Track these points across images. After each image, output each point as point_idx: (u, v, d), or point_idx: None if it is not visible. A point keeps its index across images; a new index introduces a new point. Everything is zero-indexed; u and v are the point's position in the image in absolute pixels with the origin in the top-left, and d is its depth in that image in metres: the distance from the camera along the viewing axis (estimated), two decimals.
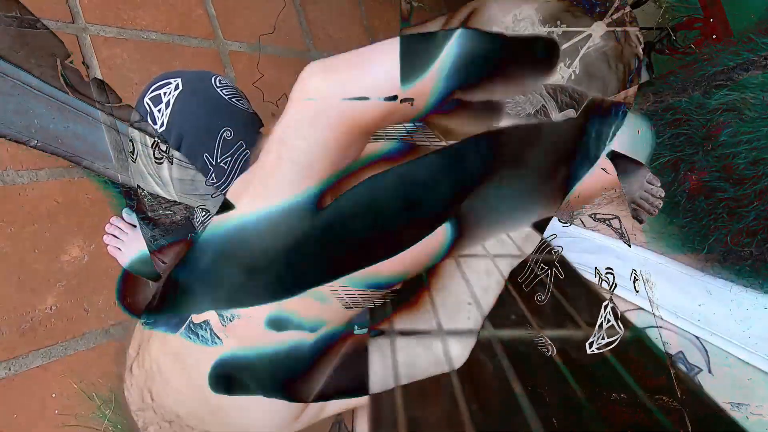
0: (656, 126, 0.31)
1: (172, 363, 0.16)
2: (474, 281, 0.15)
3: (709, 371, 0.25)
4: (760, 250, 0.27)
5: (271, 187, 0.13)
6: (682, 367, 0.25)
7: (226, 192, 0.14)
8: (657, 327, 0.26)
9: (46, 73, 0.25)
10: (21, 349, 0.67)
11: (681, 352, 0.26)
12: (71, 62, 0.26)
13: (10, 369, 0.66)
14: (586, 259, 0.27)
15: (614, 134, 0.15)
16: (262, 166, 0.13)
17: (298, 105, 0.12)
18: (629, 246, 0.25)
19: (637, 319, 0.26)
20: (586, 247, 0.30)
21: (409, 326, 0.16)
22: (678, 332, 0.27)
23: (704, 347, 0.26)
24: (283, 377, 0.15)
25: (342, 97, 0.12)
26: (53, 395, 0.69)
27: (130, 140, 0.31)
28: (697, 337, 0.26)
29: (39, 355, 0.69)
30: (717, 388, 0.25)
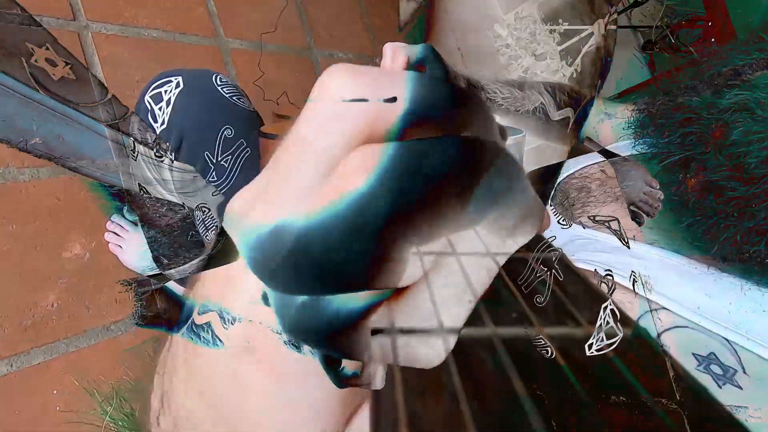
0: (667, 125, 0.31)
1: (198, 402, 0.16)
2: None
3: (744, 372, 0.25)
4: None
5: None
6: (717, 369, 0.25)
7: (226, 190, 0.14)
8: (684, 327, 0.26)
9: (18, 72, 0.25)
10: (22, 346, 0.67)
11: (713, 353, 0.26)
12: (37, 60, 0.25)
13: (11, 366, 0.66)
14: (601, 258, 0.27)
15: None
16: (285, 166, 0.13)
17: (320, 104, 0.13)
18: (628, 247, 0.25)
19: (665, 319, 0.26)
20: (600, 248, 0.29)
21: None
22: (706, 333, 0.26)
23: (734, 348, 0.26)
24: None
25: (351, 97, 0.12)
26: (54, 392, 0.69)
27: (131, 139, 0.31)
28: (726, 339, 0.26)
29: (40, 352, 0.69)
30: (751, 389, 0.24)
